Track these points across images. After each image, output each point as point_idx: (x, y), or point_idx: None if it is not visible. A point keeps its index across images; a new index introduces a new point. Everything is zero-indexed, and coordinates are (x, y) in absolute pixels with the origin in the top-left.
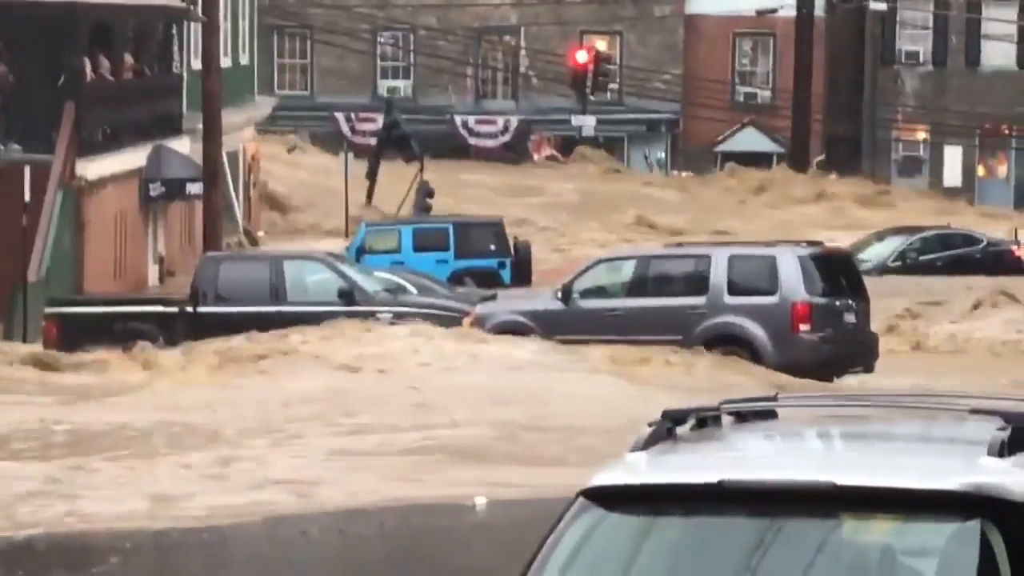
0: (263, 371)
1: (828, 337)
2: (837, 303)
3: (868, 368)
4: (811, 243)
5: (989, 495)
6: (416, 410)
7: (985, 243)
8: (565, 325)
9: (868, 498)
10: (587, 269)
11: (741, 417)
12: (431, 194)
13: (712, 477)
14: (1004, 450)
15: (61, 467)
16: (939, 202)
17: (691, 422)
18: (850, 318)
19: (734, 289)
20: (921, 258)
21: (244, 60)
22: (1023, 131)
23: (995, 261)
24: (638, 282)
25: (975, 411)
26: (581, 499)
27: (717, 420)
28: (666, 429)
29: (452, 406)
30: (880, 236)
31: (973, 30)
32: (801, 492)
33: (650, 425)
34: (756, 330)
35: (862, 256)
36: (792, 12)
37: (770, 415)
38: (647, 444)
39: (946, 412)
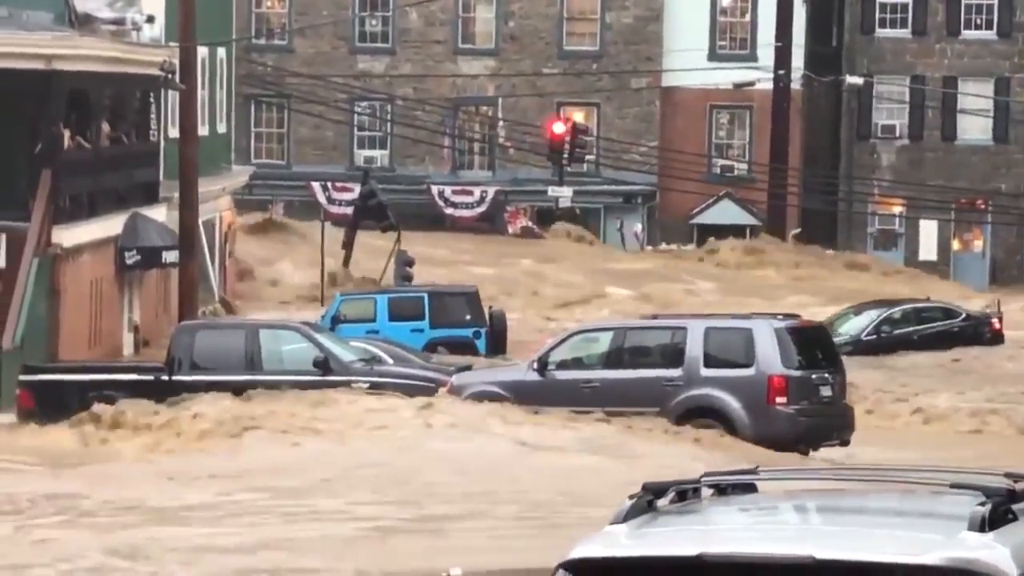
0: (233, 442)
1: (804, 410)
2: (813, 376)
3: (844, 441)
4: (787, 316)
5: (970, 570)
6: (390, 482)
7: (964, 316)
8: (540, 396)
9: (848, 571)
10: (563, 340)
11: (720, 490)
12: (411, 263)
13: (692, 550)
14: (985, 525)
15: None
16: (911, 275)
17: (671, 495)
18: (826, 391)
19: (710, 361)
20: (896, 331)
21: (221, 129)
22: (999, 205)
23: (974, 334)
24: (614, 354)
25: (956, 485)
26: (561, 571)
27: (697, 493)
28: (646, 502)
29: (426, 478)
30: (858, 309)
31: (949, 105)
32: (781, 565)
33: (630, 498)
34: (732, 403)
35: (839, 330)
36: (769, 85)
37: (750, 488)
38: (627, 516)
39: (926, 486)
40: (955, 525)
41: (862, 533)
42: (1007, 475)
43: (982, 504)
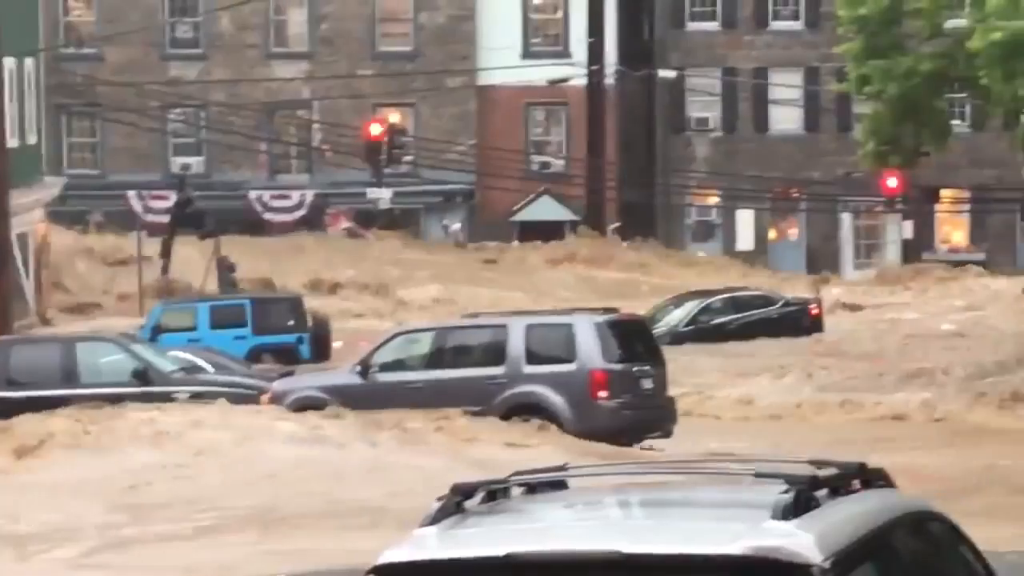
0: (38, 458)
1: (627, 403)
2: (634, 369)
3: (667, 433)
4: (607, 310)
5: (773, 558)
6: (211, 489)
7: (783, 303)
8: (364, 399)
9: (655, 565)
10: (385, 342)
11: (531, 488)
12: (232, 268)
13: (500, 550)
14: (788, 513)
15: None
16: (736, 265)
17: (480, 495)
18: (647, 384)
19: (532, 358)
20: (713, 321)
21: (32, 140)
22: (812, 194)
23: (793, 320)
24: (437, 354)
25: (760, 475)
26: None
27: (507, 492)
28: (455, 503)
29: (249, 484)
30: (678, 301)
31: (760, 96)
32: (590, 561)
33: (439, 500)
34: (555, 398)
35: (658, 322)
36: (583, 81)
37: (560, 485)
38: (436, 519)
39: (732, 477)
40: (759, 514)
41: (669, 526)
42: (811, 462)
43: (785, 492)
